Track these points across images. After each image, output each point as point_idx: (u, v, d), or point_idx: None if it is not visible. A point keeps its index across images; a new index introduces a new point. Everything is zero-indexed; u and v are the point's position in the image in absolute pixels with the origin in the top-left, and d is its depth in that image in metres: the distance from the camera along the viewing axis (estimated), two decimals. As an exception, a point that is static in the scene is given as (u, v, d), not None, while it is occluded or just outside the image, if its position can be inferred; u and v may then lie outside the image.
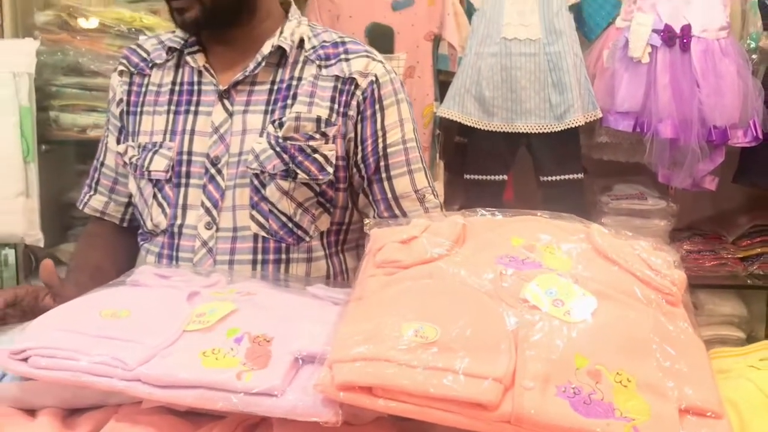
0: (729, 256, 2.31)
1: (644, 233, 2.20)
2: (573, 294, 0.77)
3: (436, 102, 2.16)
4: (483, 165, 2.16)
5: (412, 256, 0.85)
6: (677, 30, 2.02)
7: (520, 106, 2.11)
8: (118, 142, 1.29)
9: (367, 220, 0.98)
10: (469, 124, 2.11)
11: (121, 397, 0.80)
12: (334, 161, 1.20)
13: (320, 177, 1.19)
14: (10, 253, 1.99)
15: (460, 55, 2.16)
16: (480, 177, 2.16)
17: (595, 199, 2.34)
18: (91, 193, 1.35)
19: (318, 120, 1.18)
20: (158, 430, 0.76)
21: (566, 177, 2.15)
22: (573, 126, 2.08)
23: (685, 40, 2.01)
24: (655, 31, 2.03)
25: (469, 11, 2.18)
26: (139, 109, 1.26)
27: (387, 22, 2.14)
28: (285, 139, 1.17)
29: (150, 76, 1.26)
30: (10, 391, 0.83)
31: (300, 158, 1.17)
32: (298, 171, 1.17)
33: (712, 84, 2.00)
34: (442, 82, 2.22)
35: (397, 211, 1.24)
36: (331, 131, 1.19)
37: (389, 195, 1.24)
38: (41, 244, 1.73)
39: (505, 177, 2.17)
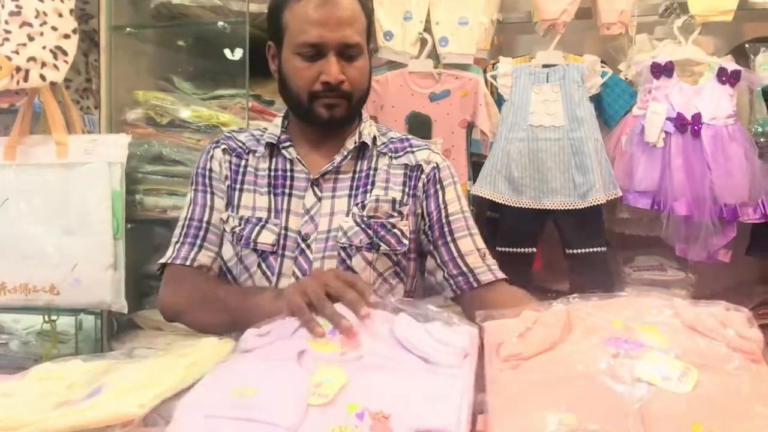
0: None
1: (665, 303, 2.35)
2: (677, 368, 0.84)
3: (469, 181, 2.32)
4: (513, 239, 2.30)
5: (532, 348, 0.91)
6: (689, 118, 2.16)
7: (547, 185, 2.26)
8: (226, 206, 1.41)
9: (478, 312, 1.02)
10: (500, 202, 2.27)
11: None
12: (408, 234, 1.40)
13: (398, 248, 1.39)
14: (87, 318, 2.14)
15: (491, 140, 2.33)
16: (511, 249, 2.29)
17: (618, 269, 2.44)
18: (195, 250, 1.40)
19: (394, 201, 1.40)
20: None
21: (590, 250, 2.28)
22: (595, 204, 2.21)
23: (696, 127, 2.16)
24: (668, 118, 2.17)
25: (499, 101, 2.35)
26: (238, 186, 1.42)
27: (425, 111, 2.33)
28: (369, 217, 1.37)
29: (248, 160, 1.44)
30: None
31: (382, 233, 1.37)
32: (381, 243, 1.37)
33: (722, 166, 2.13)
34: (475, 164, 2.38)
35: (464, 269, 1.41)
36: (405, 210, 1.40)
37: (455, 254, 1.42)
38: (125, 311, 1.89)
39: (534, 249, 2.31)
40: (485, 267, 1.42)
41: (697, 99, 2.21)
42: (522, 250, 2.31)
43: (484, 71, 2.43)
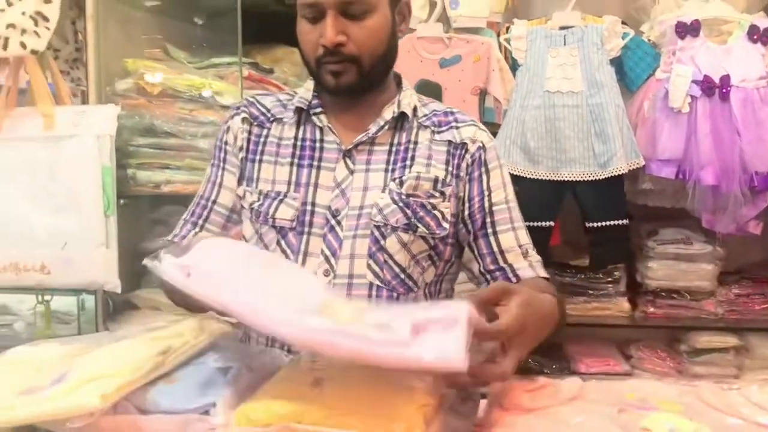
0: None
1: (691, 277, 2.28)
2: (688, 426, 0.82)
3: None
4: (530, 212, 2.15)
5: (537, 402, 0.94)
6: (716, 80, 2.09)
7: (565, 155, 2.19)
8: (238, 183, 1.34)
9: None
10: (515, 173, 2.18)
11: (198, 428, 0.91)
12: (449, 218, 1.29)
13: (437, 232, 1.27)
14: (88, 298, 2.09)
15: (505, 108, 2.26)
16: (527, 223, 2.21)
17: (641, 243, 2.40)
18: (196, 230, 1.37)
19: (436, 180, 1.28)
20: None
21: (611, 223, 2.21)
22: (617, 174, 2.15)
23: (724, 90, 2.08)
24: (694, 81, 2.10)
25: (514, 66, 2.29)
26: (258, 158, 1.33)
27: (435, 78, 2.27)
28: (408, 195, 1.26)
29: (270, 129, 1.34)
30: (102, 422, 0.93)
31: (421, 213, 1.26)
32: (419, 225, 1.26)
33: (753, 131, 2.07)
34: (490, 133, 2.32)
35: (503, 265, 1.30)
36: (447, 190, 1.28)
37: (495, 249, 1.31)
38: (119, 290, 1.82)
39: (552, 223, 2.23)
40: (527, 263, 1.32)
41: (725, 60, 2.14)
42: (539, 224, 2.23)
43: (498, 35, 2.36)
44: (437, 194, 1.28)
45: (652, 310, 2.38)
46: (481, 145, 1.32)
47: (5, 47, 1.65)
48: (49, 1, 1.67)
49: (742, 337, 2.36)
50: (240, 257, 0.99)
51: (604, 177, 2.16)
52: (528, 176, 2.20)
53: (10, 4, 1.63)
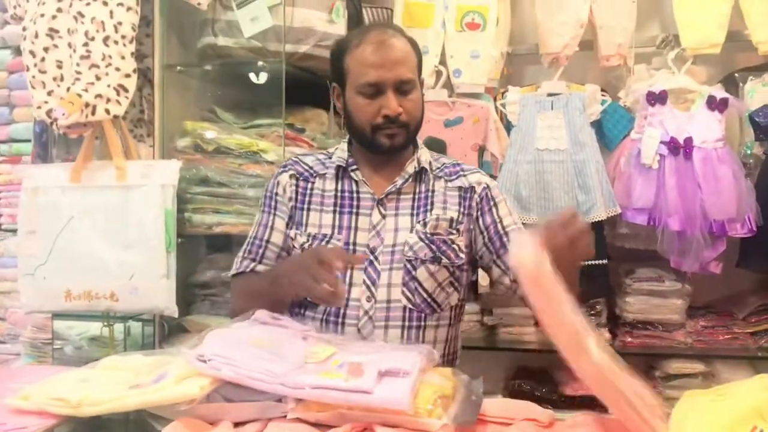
0: (740, 330, 2.56)
1: (663, 311, 2.55)
2: None
3: None
4: None
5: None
6: (681, 141, 2.35)
7: (552, 203, 2.45)
8: (287, 226, 1.60)
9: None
10: None
11: (272, 413, 1.20)
12: (464, 249, 1.59)
13: (456, 261, 1.58)
14: (133, 325, 2.35)
15: (501, 162, 2.52)
16: None
17: (620, 280, 2.62)
18: (255, 264, 1.61)
19: (452, 219, 1.59)
20: (297, 431, 1.13)
21: (593, 263, 2.41)
22: (597, 220, 2.40)
23: (687, 150, 2.34)
24: (662, 142, 2.35)
25: (508, 127, 2.56)
26: (305, 207, 1.60)
27: (441, 136, 2.53)
28: (431, 234, 1.56)
29: (314, 182, 1.62)
30: (200, 409, 1.19)
31: (444, 248, 1.56)
32: (442, 257, 1.56)
33: (712, 185, 2.31)
34: None
35: None
36: (461, 227, 1.59)
37: None
38: (176, 315, 2.10)
39: None
40: None
41: (688, 124, 2.39)
42: (530, 262, 2.50)
43: (494, 99, 2.63)
44: (454, 231, 1.58)
45: (629, 339, 2.57)
46: (486, 185, 1.64)
47: (93, 113, 1.97)
48: (129, 76, 2.01)
49: (708, 364, 2.53)
50: (240, 339, 1.26)
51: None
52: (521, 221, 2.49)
53: (98, 79, 1.97)
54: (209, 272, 2.25)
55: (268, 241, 1.64)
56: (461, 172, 1.65)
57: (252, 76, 2.13)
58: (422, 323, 1.57)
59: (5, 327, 3.04)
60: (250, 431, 1.16)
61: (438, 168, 1.65)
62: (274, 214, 1.64)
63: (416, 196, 1.61)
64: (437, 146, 2.51)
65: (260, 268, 1.64)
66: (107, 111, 2.00)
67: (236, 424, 1.19)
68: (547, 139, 2.50)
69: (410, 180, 1.61)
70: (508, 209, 1.65)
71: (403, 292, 1.55)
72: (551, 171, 2.47)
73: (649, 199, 2.38)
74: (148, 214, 2.06)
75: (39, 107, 2.03)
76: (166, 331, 2.24)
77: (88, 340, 2.48)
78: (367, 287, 1.55)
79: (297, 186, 1.63)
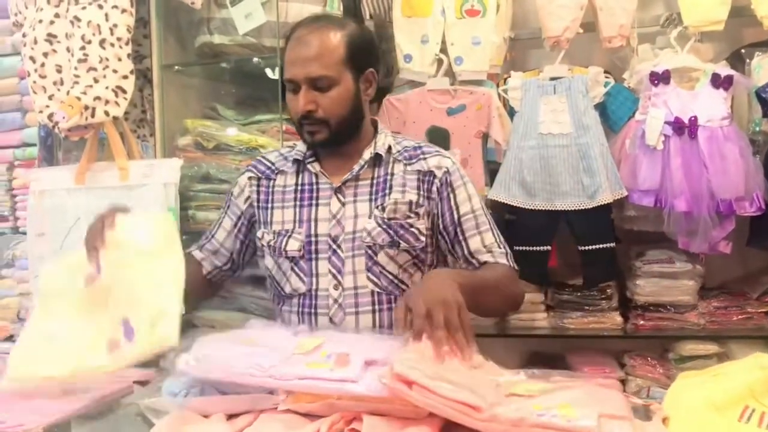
0: (753, 310, 2.53)
1: (674, 292, 2.53)
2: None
3: (486, 187, 2.51)
4: (529, 238, 2.47)
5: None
6: (686, 121, 2.32)
7: (558, 188, 2.44)
8: (234, 226, 1.70)
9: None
10: (515, 205, 2.45)
11: (264, 404, 1.23)
12: (425, 232, 1.60)
13: (416, 244, 1.59)
14: None
15: (505, 149, 2.51)
16: (527, 248, 2.46)
17: (630, 263, 2.60)
18: (197, 249, 1.76)
19: (410, 203, 1.60)
20: (288, 421, 1.16)
21: (601, 246, 2.45)
22: (603, 203, 2.39)
23: (692, 130, 2.32)
24: (667, 122, 2.33)
25: (511, 113, 2.54)
26: (269, 205, 1.66)
27: (444, 125, 2.53)
28: (389, 219, 1.58)
29: (275, 180, 1.67)
30: (194, 403, 1.24)
31: (401, 232, 1.58)
32: (401, 241, 1.58)
33: (718, 164, 2.29)
34: (491, 171, 2.57)
35: (474, 263, 1.63)
36: (421, 210, 1.61)
37: (466, 252, 1.63)
38: (183, 311, 2.15)
39: (549, 247, 2.48)
40: (489, 254, 1.63)
41: (693, 103, 2.36)
42: (537, 248, 2.49)
43: (497, 85, 2.62)
44: (412, 215, 1.59)
45: (641, 322, 2.56)
46: (446, 170, 1.64)
47: (93, 116, 2.01)
48: (127, 77, 2.04)
49: (723, 345, 2.50)
50: (229, 339, 1.32)
51: (592, 206, 2.40)
52: (526, 207, 2.45)
53: (96, 81, 2.00)
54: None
55: (213, 235, 1.75)
56: (421, 156, 1.66)
57: (268, 71, 2.13)
58: (393, 305, 1.59)
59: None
60: (242, 423, 1.19)
61: (398, 152, 1.66)
62: (226, 213, 1.74)
63: (374, 181, 1.63)
64: (440, 135, 2.54)
65: (196, 253, 1.76)
66: (106, 113, 2.04)
67: (229, 417, 1.22)
68: (551, 123, 2.48)
69: (366, 166, 1.62)
70: (467, 194, 1.65)
71: (368, 278, 1.58)
72: (556, 155, 2.45)
73: (655, 181, 2.36)
74: (151, 213, 2.08)
75: (41, 111, 2.07)
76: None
77: (105, 338, 2.51)
78: (333, 276, 1.58)
79: (258, 186, 1.69)
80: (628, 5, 2.50)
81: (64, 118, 1.98)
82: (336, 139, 1.60)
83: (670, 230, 2.40)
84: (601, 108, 2.52)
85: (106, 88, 2.02)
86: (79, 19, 2.00)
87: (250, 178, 1.70)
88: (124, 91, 2.04)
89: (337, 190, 1.62)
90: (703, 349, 2.52)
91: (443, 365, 1.18)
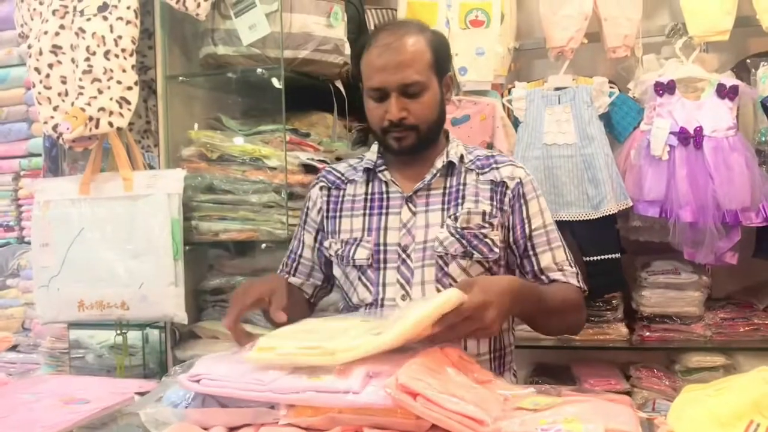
0: (760, 321, 2.53)
1: (680, 303, 2.52)
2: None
3: None
4: None
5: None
6: (691, 131, 2.33)
7: (562, 198, 2.45)
8: (315, 240, 1.66)
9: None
10: None
11: (265, 419, 1.23)
12: (499, 244, 1.56)
13: (490, 256, 1.55)
14: (152, 333, 2.37)
15: None
16: None
17: (636, 274, 2.61)
18: (289, 276, 1.69)
19: (484, 213, 1.55)
20: None
21: (605, 257, 2.46)
22: (608, 214, 2.40)
23: (698, 140, 2.32)
24: (672, 133, 2.34)
25: (515, 123, 2.56)
26: (338, 214, 1.63)
27: None
28: (462, 228, 1.54)
29: (345, 189, 1.65)
30: (195, 414, 1.24)
31: (475, 242, 1.53)
32: (474, 252, 1.53)
33: (723, 174, 2.29)
34: None
35: (543, 279, 1.58)
36: (495, 221, 1.56)
37: (536, 268, 1.58)
38: (185, 322, 2.11)
39: None
40: (560, 273, 1.58)
41: (698, 113, 2.37)
42: (542, 258, 2.49)
43: (501, 96, 2.63)
44: (486, 225, 1.55)
45: (647, 333, 2.56)
46: (519, 180, 1.60)
47: (97, 126, 2.01)
48: (131, 88, 2.04)
49: (730, 357, 2.51)
50: (230, 358, 1.30)
51: (597, 217, 2.41)
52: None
53: (101, 92, 2.00)
54: (218, 279, 2.27)
55: (300, 255, 1.72)
56: (494, 165, 1.62)
57: (274, 81, 2.13)
58: None
59: (30, 338, 3.11)
60: (243, 437, 1.18)
61: (470, 161, 1.63)
62: (304, 229, 1.71)
63: (446, 191, 1.59)
64: (444, 145, 2.53)
65: (293, 279, 1.71)
66: (110, 123, 2.04)
67: (230, 430, 1.21)
68: (555, 133, 2.50)
69: (438, 175, 1.59)
70: (540, 207, 1.61)
71: (437, 289, 1.52)
72: (560, 166, 2.47)
73: (660, 191, 2.37)
74: (154, 223, 2.08)
75: (46, 122, 2.08)
76: (178, 338, 2.27)
77: (108, 348, 2.52)
78: (401, 286, 1.55)
79: (329, 196, 1.67)
80: (633, 15, 2.51)
81: (68, 128, 1.98)
82: (423, 145, 1.58)
83: (675, 241, 2.40)
84: (606, 118, 2.54)
85: (111, 99, 2.02)
86: (83, 31, 2.01)
87: (321, 188, 1.68)
88: (129, 102, 2.04)
89: (408, 199, 1.59)
90: (710, 360, 2.52)
91: (449, 378, 1.17)
